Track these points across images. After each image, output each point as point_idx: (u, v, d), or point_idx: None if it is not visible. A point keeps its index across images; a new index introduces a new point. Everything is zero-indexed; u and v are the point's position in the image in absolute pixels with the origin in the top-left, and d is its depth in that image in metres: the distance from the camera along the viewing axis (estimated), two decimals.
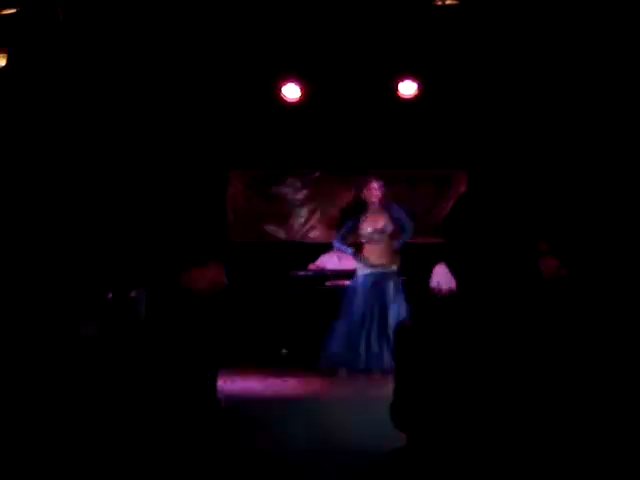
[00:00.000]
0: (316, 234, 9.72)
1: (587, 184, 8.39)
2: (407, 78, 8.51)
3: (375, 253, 7.06)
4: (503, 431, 1.80)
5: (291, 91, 8.66)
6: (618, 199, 8.06)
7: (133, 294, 3.75)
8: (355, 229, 7.21)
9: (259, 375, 6.69)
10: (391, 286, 6.98)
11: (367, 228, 7.08)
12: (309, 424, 4.60)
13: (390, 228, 7.06)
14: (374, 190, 7.13)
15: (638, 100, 7.52)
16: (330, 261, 8.63)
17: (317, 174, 9.79)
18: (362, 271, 7.09)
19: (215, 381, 3.81)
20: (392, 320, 6.74)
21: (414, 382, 1.94)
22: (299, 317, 8.40)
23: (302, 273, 8.26)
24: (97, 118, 8.22)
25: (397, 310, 6.92)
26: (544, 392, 1.81)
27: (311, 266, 8.57)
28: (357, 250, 7.30)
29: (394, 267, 7.09)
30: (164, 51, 7.79)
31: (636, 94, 7.47)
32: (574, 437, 1.81)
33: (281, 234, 9.81)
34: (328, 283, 8.26)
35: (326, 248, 8.81)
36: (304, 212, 9.82)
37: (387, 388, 5.14)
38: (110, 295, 3.92)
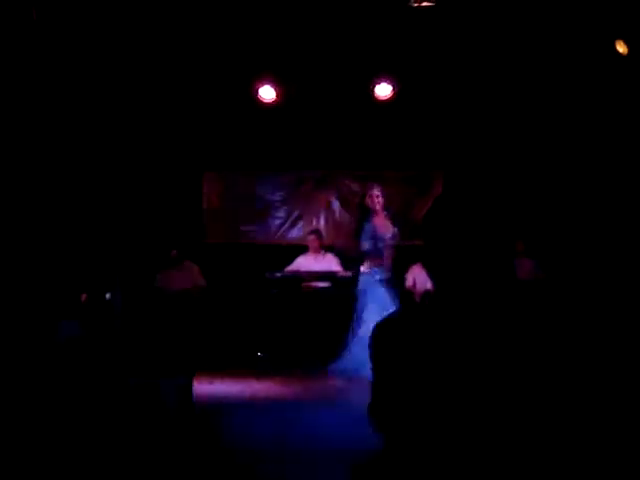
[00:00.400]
0: (293, 235, 9.72)
1: (564, 184, 8.46)
2: (383, 80, 8.54)
3: (385, 258, 6.99)
4: (481, 430, 1.81)
5: (267, 92, 8.65)
6: (595, 198, 8.13)
7: (108, 296, 3.71)
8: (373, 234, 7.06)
9: (236, 377, 6.66)
10: (383, 291, 6.91)
11: (378, 234, 7.00)
12: (286, 425, 4.59)
13: (397, 232, 7.00)
14: (375, 197, 7.04)
15: (613, 98, 7.58)
16: (306, 263, 8.63)
17: (293, 175, 9.79)
18: (374, 276, 7.01)
19: (191, 383, 3.79)
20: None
21: (391, 383, 1.93)
22: (275, 319, 8.38)
23: (278, 274, 8.24)
24: (71, 118, 8.14)
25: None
26: (519, 390, 1.82)
27: (287, 268, 8.55)
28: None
29: (388, 274, 6.98)
30: (140, 52, 7.74)
31: (611, 91, 7.53)
32: (550, 434, 1.82)
33: (258, 235, 9.79)
34: (304, 285, 8.25)
35: (302, 250, 8.81)
36: (281, 213, 9.82)
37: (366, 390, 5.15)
38: (84, 296, 3.87)
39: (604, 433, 1.82)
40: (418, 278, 7.90)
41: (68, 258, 3.44)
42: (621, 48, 6.89)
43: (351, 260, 7.95)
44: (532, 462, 1.79)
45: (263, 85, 8.61)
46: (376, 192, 7.07)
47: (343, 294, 7.98)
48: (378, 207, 6.98)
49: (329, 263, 8.57)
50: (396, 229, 6.96)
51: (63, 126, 8.14)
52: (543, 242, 8.12)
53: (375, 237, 6.98)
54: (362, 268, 7.08)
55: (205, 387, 5.77)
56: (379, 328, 1.98)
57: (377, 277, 6.96)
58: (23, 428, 2.82)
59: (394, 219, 7.06)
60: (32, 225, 7.17)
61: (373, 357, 2.00)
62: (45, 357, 2.85)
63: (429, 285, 7.35)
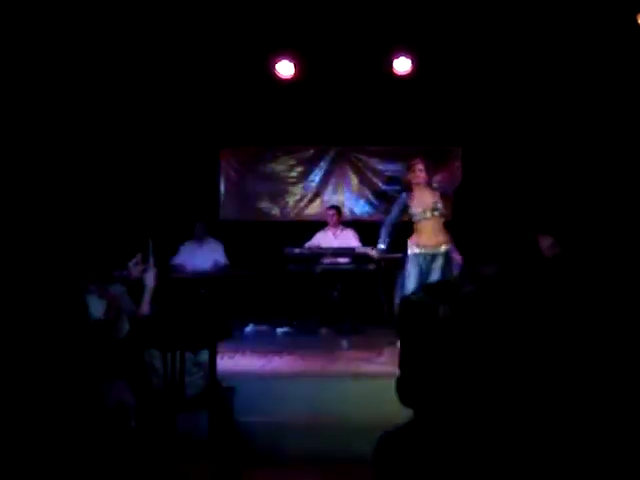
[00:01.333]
0: (311, 212, 9.73)
1: (581, 162, 8.40)
2: (402, 55, 8.48)
3: (426, 233, 6.69)
4: (509, 407, 1.81)
5: (285, 68, 8.62)
6: (612, 175, 8.07)
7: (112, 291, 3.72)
8: (404, 210, 6.85)
9: (257, 352, 6.70)
10: (439, 267, 6.58)
11: (417, 208, 6.73)
12: (310, 400, 4.62)
13: (441, 205, 6.66)
14: (419, 172, 6.77)
15: (636, 72, 7.49)
16: (325, 239, 8.64)
17: (311, 151, 9.78)
18: (412, 250, 6.73)
19: (215, 357, 3.82)
20: None
21: (420, 357, 1.94)
22: (294, 295, 8.42)
23: (297, 251, 8.25)
24: (82, 97, 8.13)
25: None
26: (547, 369, 1.82)
27: (306, 244, 8.56)
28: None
29: (444, 248, 6.58)
30: (156, 28, 7.71)
31: (633, 66, 7.45)
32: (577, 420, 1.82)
33: (275, 212, 9.81)
34: (324, 261, 8.26)
35: (321, 226, 8.82)
36: (298, 190, 9.82)
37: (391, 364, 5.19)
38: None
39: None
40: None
41: (89, 236, 3.47)
42: None
43: (370, 236, 7.93)
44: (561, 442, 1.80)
45: (280, 61, 8.58)
46: (420, 166, 6.82)
47: (362, 270, 8.00)
48: (421, 180, 6.75)
49: (348, 239, 8.58)
50: (438, 200, 6.64)
51: (83, 106, 8.15)
52: (560, 219, 8.08)
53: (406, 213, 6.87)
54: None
55: (225, 362, 5.82)
56: (408, 300, 1.98)
57: (413, 251, 6.83)
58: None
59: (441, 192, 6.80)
60: (49, 205, 7.20)
61: (401, 329, 2.00)
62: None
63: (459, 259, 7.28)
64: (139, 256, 3.79)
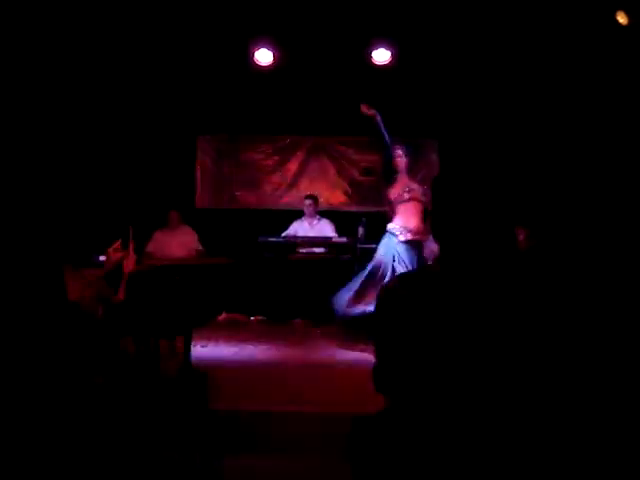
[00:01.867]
0: (287, 201, 9.72)
1: (556, 153, 8.45)
2: (381, 46, 8.47)
3: (405, 216, 6.63)
4: (483, 393, 1.83)
5: (264, 56, 8.58)
6: (586, 165, 8.13)
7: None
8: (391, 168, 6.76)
9: (231, 341, 6.70)
10: (413, 254, 6.56)
11: (397, 190, 6.67)
12: (284, 388, 4.63)
13: (421, 192, 6.63)
14: (399, 158, 6.77)
15: (613, 67, 7.54)
16: (301, 228, 8.64)
17: (288, 140, 9.76)
18: (390, 232, 6.68)
19: (189, 345, 3.82)
20: None
21: (396, 345, 1.95)
22: (270, 284, 8.42)
23: (272, 239, 8.24)
24: (58, 83, 8.03)
25: None
26: (522, 358, 1.84)
27: (283, 234, 8.56)
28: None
29: (422, 236, 6.58)
30: (134, 14, 7.63)
31: (610, 61, 7.50)
32: (546, 400, 1.84)
33: (252, 200, 9.79)
34: (300, 250, 8.26)
35: (297, 215, 8.82)
36: (275, 178, 9.81)
37: (364, 353, 5.20)
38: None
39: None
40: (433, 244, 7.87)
41: (65, 220, 3.44)
42: (622, 19, 6.86)
43: (346, 226, 7.96)
44: (539, 429, 1.81)
45: (259, 49, 8.54)
46: (399, 152, 6.83)
47: (337, 259, 8.02)
48: (403, 166, 6.74)
49: (324, 229, 8.59)
50: (420, 189, 6.65)
51: (59, 92, 8.06)
52: (536, 211, 8.13)
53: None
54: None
55: (199, 349, 5.82)
56: (385, 289, 2.00)
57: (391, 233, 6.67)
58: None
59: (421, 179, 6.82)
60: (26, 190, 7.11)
61: (378, 318, 2.01)
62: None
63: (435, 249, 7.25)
64: (119, 242, 3.77)
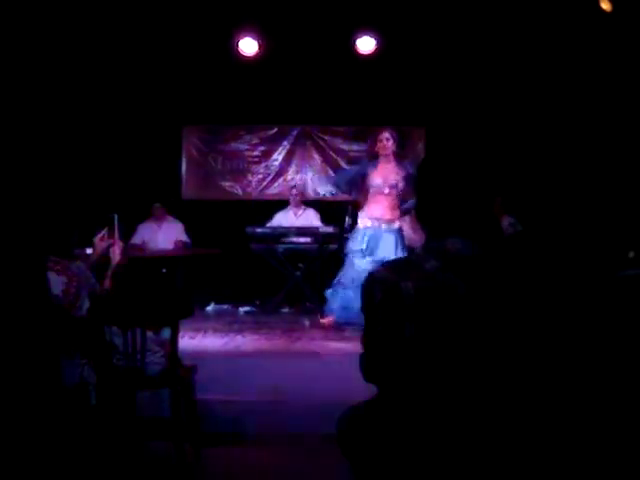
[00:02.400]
0: (273, 191, 9.71)
1: (542, 143, 8.47)
2: (365, 34, 8.44)
3: (380, 207, 6.57)
4: (471, 381, 1.82)
5: (248, 46, 8.53)
6: (572, 153, 8.15)
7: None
8: (362, 177, 6.63)
9: (219, 331, 6.69)
10: (391, 242, 6.53)
11: (377, 179, 6.52)
12: (273, 378, 4.62)
13: (402, 185, 6.50)
14: (385, 141, 6.55)
15: (596, 53, 7.56)
16: (286, 218, 8.62)
17: (275, 130, 9.73)
18: (363, 223, 6.64)
19: (176, 337, 3.79)
20: None
21: (383, 334, 1.94)
22: (258, 274, 8.41)
23: (259, 230, 8.21)
24: (41, 72, 7.95)
25: None
26: (509, 343, 1.83)
27: (268, 224, 8.53)
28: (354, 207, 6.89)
29: (396, 225, 6.59)
30: (118, 4, 7.56)
31: (593, 47, 7.51)
32: (538, 387, 1.84)
33: (238, 191, 9.76)
34: (287, 240, 8.24)
35: (283, 205, 8.80)
36: (261, 169, 9.78)
37: (353, 342, 5.19)
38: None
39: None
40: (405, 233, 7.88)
41: (49, 212, 3.40)
42: (605, 5, 6.86)
43: (331, 215, 7.95)
44: (527, 422, 1.81)
45: (244, 38, 8.48)
46: (387, 135, 6.61)
47: (324, 249, 8.01)
48: (387, 152, 6.54)
49: (310, 218, 8.57)
50: (400, 179, 6.51)
51: (41, 82, 7.98)
52: (522, 199, 8.16)
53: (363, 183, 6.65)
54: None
55: (187, 341, 5.80)
56: (372, 276, 1.98)
57: (364, 225, 6.66)
58: None
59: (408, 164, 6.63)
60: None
61: (365, 306, 2.00)
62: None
63: (415, 239, 7.30)
64: (105, 231, 3.74)
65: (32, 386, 2.77)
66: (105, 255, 3.74)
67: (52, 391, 2.89)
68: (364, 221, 6.65)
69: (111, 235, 3.75)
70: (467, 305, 1.84)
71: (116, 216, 3.77)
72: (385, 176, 6.55)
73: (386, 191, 6.53)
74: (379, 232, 6.59)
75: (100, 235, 3.74)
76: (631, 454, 1.79)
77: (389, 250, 6.48)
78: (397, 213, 6.62)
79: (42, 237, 3.25)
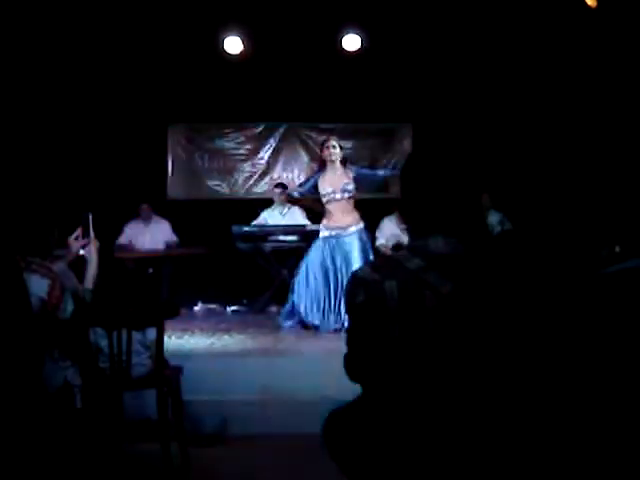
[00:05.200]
0: (260, 190, 9.69)
1: (530, 137, 8.49)
2: (351, 32, 8.43)
3: (336, 214, 6.71)
4: (457, 381, 1.81)
5: (233, 44, 8.50)
6: (560, 147, 8.17)
7: (82, 252, 3.65)
8: (315, 188, 6.80)
9: (206, 331, 6.67)
10: (354, 246, 6.65)
11: (327, 187, 6.67)
12: (260, 378, 4.61)
13: (352, 187, 6.64)
14: (332, 149, 6.67)
15: (582, 48, 7.58)
16: (272, 217, 8.60)
17: (261, 128, 9.71)
18: (322, 233, 6.81)
19: (162, 337, 3.77)
20: None
21: (367, 333, 1.93)
22: (245, 274, 8.39)
23: (245, 229, 8.18)
24: (24, 71, 7.91)
25: None
26: (496, 342, 1.82)
27: (253, 223, 8.50)
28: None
29: (355, 227, 6.72)
30: (104, 2, 7.51)
31: (579, 41, 7.53)
32: (526, 385, 1.83)
33: (224, 190, 9.74)
34: (273, 239, 8.22)
35: (270, 203, 8.77)
36: (247, 167, 9.76)
37: (339, 341, 5.20)
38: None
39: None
40: (389, 231, 7.91)
41: (30, 214, 3.36)
42: (590, 1, 6.88)
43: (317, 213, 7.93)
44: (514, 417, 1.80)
45: (229, 37, 8.45)
46: (333, 143, 6.75)
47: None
48: (333, 158, 6.67)
49: (295, 217, 8.54)
50: (350, 182, 6.66)
51: (24, 81, 7.94)
52: (509, 195, 8.18)
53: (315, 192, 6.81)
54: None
55: (174, 341, 5.78)
56: (354, 276, 1.97)
57: (323, 234, 6.82)
58: None
59: (356, 172, 6.79)
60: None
61: (348, 306, 1.99)
62: None
63: (401, 238, 7.36)
64: (79, 230, 3.71)
65: (14, 390, 2.74)
66: (80, 255, 3.71)
67: (35, 395, 2.86)
68: (323, 232, 6.82)
69: (86, 235, 3.71)
70: (451, 304, 1.83)
71: (90, 215, 3.73)
72: (334, 183, 6.69)
73: (338, 197, 6.65)
74: (340, 240, 6.73)
75: (74, 234, 3.70)
76: (625, 455, 1.79)
77: (351, 255, 6.62)
78: (356, 215, 6.75)
79: (18, 238, 3.22)
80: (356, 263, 6.38)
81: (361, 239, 6.69)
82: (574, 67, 7.83)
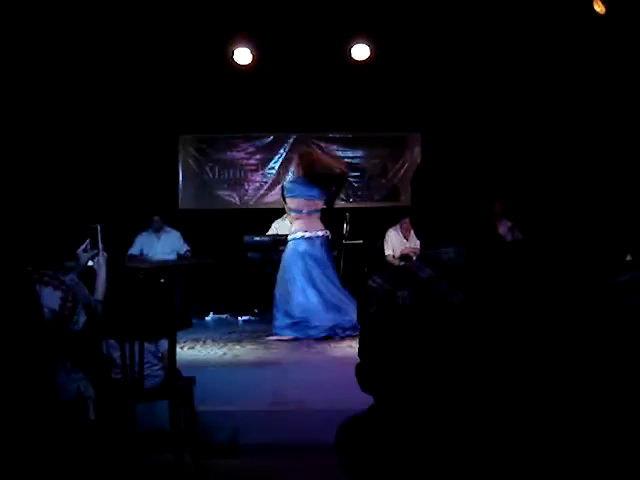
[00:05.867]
0: (270, 200, 9.69)
1: (540, 145, 8.47)
2: (360, 41, 8.44)
3: (303, 223, 7.20)
4: (469, 391, 1.81)
5: (243, 55, 8.53)
6: (570, 155, 8.15)
7: (91, 263, 3.66)
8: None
9: (218, 341, 6.68)
10: (321, 251, 7.12)
11: (297, 205, 7.24)
12: (272, 388, 4.61)
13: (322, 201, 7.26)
14: (295, 167, 7.36)
15: (590, 55, 7.56)
16: (284, 227, 8.59)
17: (271, 138, 9.73)
18: (294, 235, 7.22)
19: (174, 348, 3.77)
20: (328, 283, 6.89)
21: (380, 343, 1.93)
22: (256, 283, 8.38)
23: (257, 239, 8.19)
24: (35, 82, 7.95)
25: (332, 274, 7.08)
26: (508, 352, 1.82)
27: (266, 233, 8.51)
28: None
29: (321, 233, 7.20)
30: (115, 14, 7.55)
31: (587, 48, 7.52)
32: (531, 386, 1.82)
33: (235, 200, 9.75)
34: (282, 248, 8.22)
35: (281, 213, 8.77)
36: (258, 177, 9.78)
37: (349, 351, 5.20)
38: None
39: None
40: (395, 242, 7.93)
41: (42, 226, 3.38)
42: (598, 7, 6.87)
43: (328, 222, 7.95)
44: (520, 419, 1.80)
45: (239, 48, 8.48)
46: (295, 161, 7.47)
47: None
48: (300, 173, 7.22)
49: None
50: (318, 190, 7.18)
51: (35, 92, 7.99)
52: (520, 203, 8.16)
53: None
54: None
55: (186, 352, 5.79)
56: (368, 288, 1.97)
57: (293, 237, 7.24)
58: None
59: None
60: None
61: (360, 316, 1.99)
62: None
63: (406, 248, 7.45)
64: (88, 242, 3.72)
65: (28, 402, 2.75)
66: (90, 266, 3.72)
67: (48, 406, 2.87)
68: (295, 235, 7.24)
69: (94, 246, 3.72)
70: (463, 314, 1.83)
71: (99, 226, 3.74)
72: (304, 199, 7.20)
73: (304, 212, 7.17)
74: (310, 241, 7.14)
75: (83, 246, 3.72)
76: (626, 458, 1.78)
77: (322, 258, 7.02)
78: (319, 224, 7.25)
79: (30, 250, 3.23)
80: (326, 268, 7.05)
81: (328, 243, 7.25)
82: (586, 76, 7.82)
